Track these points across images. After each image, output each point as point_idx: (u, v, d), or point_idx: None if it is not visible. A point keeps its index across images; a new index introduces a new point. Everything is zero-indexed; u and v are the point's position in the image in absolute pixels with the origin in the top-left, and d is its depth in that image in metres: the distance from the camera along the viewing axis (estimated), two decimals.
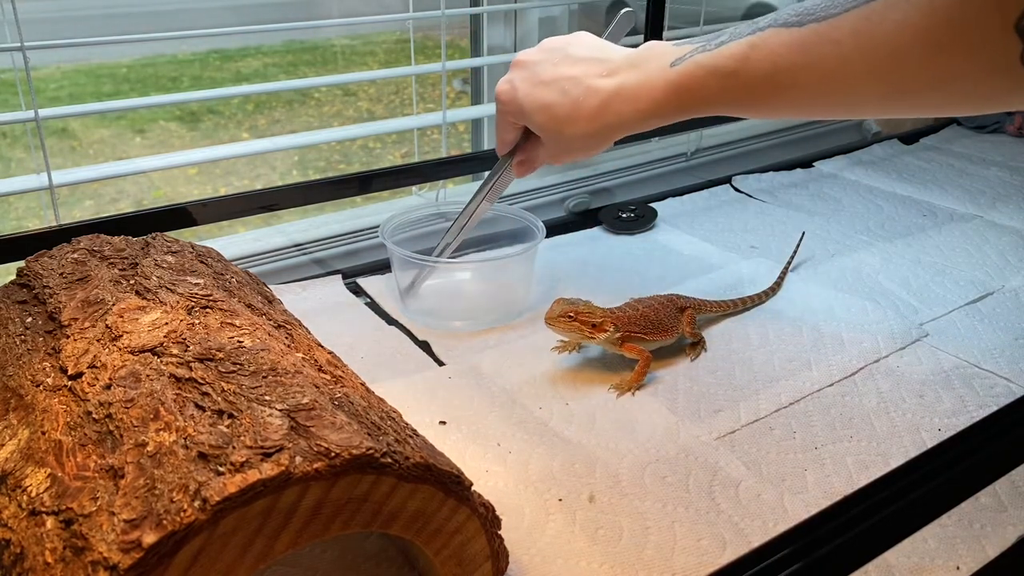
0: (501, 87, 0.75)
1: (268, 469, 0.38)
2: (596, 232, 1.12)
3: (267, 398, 0.44)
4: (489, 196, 0.85)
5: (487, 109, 1.21)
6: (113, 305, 0.54)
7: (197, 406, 0.43)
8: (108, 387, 0.46)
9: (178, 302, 0.54)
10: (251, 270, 0.74)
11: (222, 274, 0.63)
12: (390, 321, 0.88)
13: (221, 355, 0.48)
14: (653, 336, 0.78)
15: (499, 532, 0.49)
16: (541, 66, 0.71)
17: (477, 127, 1.29)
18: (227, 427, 0.41)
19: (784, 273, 0.96)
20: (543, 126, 0.72)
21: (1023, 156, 1.44)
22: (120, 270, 0.60)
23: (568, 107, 0.69)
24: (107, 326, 0.52)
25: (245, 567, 0.39)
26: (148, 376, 0.46)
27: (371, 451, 0.41)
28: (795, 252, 0.99)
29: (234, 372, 0.46)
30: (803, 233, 1.04)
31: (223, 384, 0.45)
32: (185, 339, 0.49)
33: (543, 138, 0.74)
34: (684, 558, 0.57)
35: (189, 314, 0.53)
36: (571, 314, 0.74)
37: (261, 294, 0.65)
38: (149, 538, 0.36)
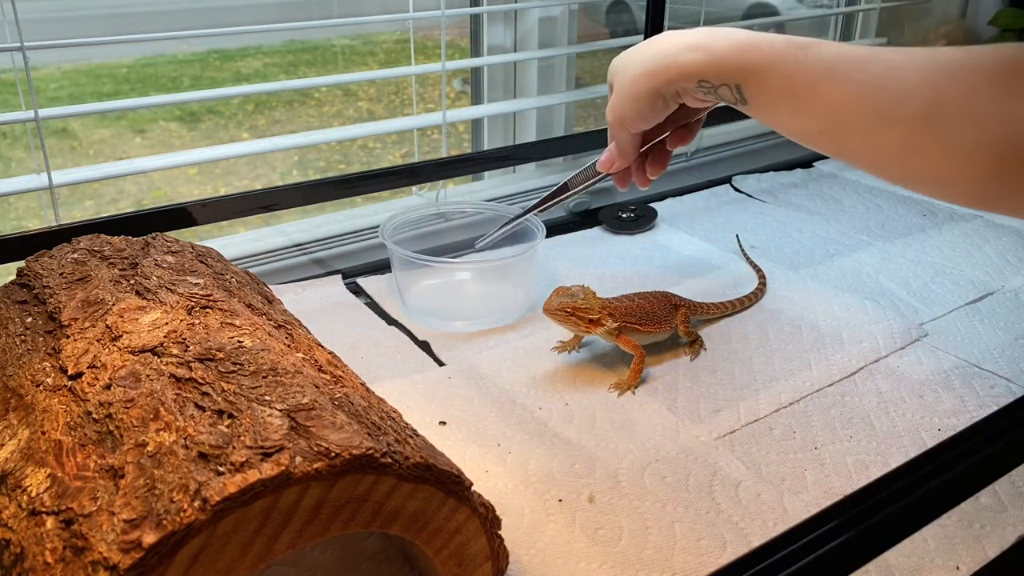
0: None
1: (268, 469, 0.38)
2: (596, 232, 1.12)
3: (267, 398, 0.44)
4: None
5: (487, 109, 1.21)
6: (113, 305, 0.54)
7: (197, 406, 0.43)
8: (108, 387, 0.46)
9: (178, 302, 0.54)
10: (251, 270, 0.74)
11: (222, 274, 0.63)
12: (390, 321, 0.88)
13: (221, 355, 0.48)
14: (648, 327, 0.79)
15: (499, 532, 0.49)
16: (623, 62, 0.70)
17: (477, 127, 1.29)
18: (227, 427, 0.41)
19: (760, 272, 0.97)
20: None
21: None
22: (120, 270, 0.60)
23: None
24: (107, 326, 0.52)
25: (245, 567, 0.39)
26: (148, 376, 0.46)
27: (371, 451, 0.41)
28: (744, 253, 1.02)
29: (234, 372, 0.46)
30: (737, 236, 1.07)
31: (223, 384, 0.45)
32: (185, 339, 0.49)
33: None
34: (684, 558, 0.57)
35: (189, 314, 0.53)
36: (568, 309, 0.74)
37: (261, 294, 0.65)
38: (149, 538, 0.36)
